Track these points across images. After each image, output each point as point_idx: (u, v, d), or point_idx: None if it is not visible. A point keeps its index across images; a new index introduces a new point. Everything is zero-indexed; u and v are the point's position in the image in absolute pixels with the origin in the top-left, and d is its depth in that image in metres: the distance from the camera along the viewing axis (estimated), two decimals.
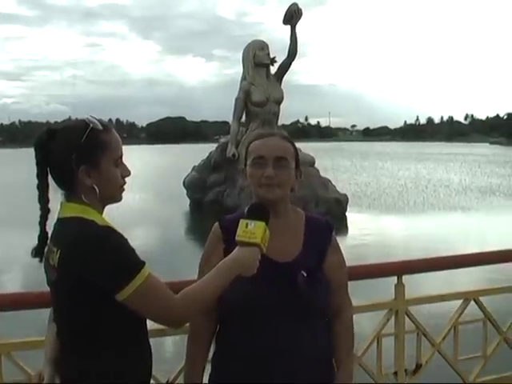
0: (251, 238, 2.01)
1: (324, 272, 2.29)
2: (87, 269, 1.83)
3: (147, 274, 1.87)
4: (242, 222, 2.05)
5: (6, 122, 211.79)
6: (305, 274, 2.20)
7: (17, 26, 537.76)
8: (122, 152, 2.03)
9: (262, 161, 2.23)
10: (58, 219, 1.98)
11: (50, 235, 1.99)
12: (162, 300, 1.90)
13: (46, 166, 1.98)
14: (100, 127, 1.95)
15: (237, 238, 2.03)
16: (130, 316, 1.90)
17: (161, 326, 2.09)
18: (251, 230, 2.02)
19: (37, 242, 2.00)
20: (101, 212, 1.99)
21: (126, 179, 2.05)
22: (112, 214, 2.12)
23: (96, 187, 1.94)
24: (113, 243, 1.87)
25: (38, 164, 1.98)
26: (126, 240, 1.90)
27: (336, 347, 2.36)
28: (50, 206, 1.99)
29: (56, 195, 2.01)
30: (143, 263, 1.88)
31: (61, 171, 1.96)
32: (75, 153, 1.92)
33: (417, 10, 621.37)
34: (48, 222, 2.00)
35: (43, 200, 1.99)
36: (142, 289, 1.84)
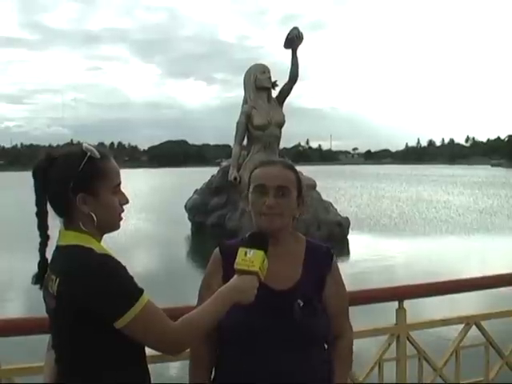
0: (250, 266, 2.02)
1: (323, 300, 2.29)
2: (86, 297, 1.84)
3: (145, 302, 1.87)
4: (241, 251, 2.06)
5: (8, 145, 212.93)
6: (301, 303, 2.21)
7: (19, 49, 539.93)
8: (119, 180, 2.03)
9: (263, 189, 2.24)
10: (57, 247, 1.99)
11: (50, 261, 2.00)
12: (160, 328, 1.90)
13: (44, 193, 1.99)
14: (97, 155, 1.95)
15: (236, 266, 2.04)
16: (128, 342, 1.91)
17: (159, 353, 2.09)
18: (250, 258, 2.04)
19: (37, 269, 2.01)
20: (99, 240, 2.00)
21: (125, 206, 2.06)
22: (114, 238, 2.13)
23: (94, 215, 1.95)
24: (111, 271, 1.87)
25: (36, 191, 1.99)
26: (125, 268, 1.91)
27: (335, 369, 2.34)
28: (51, 232, 2.00)
29: (56, 222, 2.02)
30: (142, 291, 1.89)
31: (58, 199, 1.97)
32: (72, 181, 1.93)
33: (417, 33, 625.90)
34: (48, 249, 2.00)
35: (43, 227, 1.99)
36: (140, 317, 1.85)
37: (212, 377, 2.35)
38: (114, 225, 2.04)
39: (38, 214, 1.99)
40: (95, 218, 1.95)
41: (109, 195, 1.98)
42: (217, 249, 2.36)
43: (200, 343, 2.20)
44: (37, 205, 1.99)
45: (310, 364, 2.22)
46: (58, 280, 1.90)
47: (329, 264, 2.36)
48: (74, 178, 1.93)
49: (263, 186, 2.25)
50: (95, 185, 1.95)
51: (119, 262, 1.91)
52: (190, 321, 1.96)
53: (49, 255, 2.00)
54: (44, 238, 1.99)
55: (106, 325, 1.86)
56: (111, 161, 2.02)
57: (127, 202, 2.05)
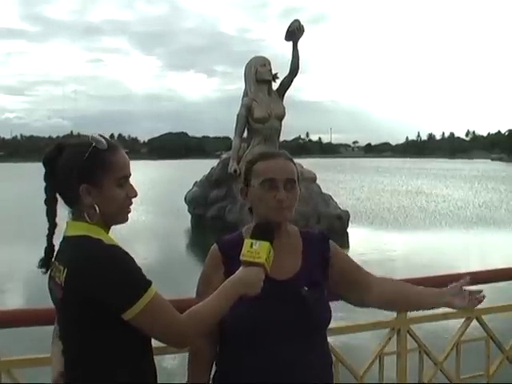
0: (256, 257, 2.02)
1: (327, 284, 2.32)
2: (94, 288, 1.84)
3: (153, 293, 1.87)
4: (247, 242, 2.06)
5: (8, 136, 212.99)
6: (307, 289, 2.22)
7: (20, 41, 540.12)
8: (127, 172, 2.02)
9: (272, 183, 2.23)
10: (65, 237, 1.99)
11: (56, 251, 2.00)
12: (167, 319, 1.90)
13: (53, 182, 2.00)
14: (105, 146, 1.95)
15: (241, 257, 2.04)
16: (135, 334, 1.91)
17: (163, 344, 2.07)
18: (256, 249, 2.03)
19: (43, 254, 2.01)
20: (107, 231, 2.00)
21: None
22: (114, 230, 2.11)
23: (97, 206, 1.94)
24: (120, 262, 1.87)
25: (45, 179, 2.01)
26: (133, 259, 1.90)
27: (403, 293, 2.57)
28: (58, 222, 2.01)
29: (64, 212, 2.03)
30: (150, 282, 1.89)
31: (64, 188, 1.98)
32: (77, 171, 1.93)
33: (419, 27, 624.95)
34: (55, 237, 2.01)
35: (51, 214, 2.00)
36: (148, 308, 1.85)
37: (213, 373, 2.33)
38: (119, 217, 2.04)
39: (46, 201, 2.00)
40: (98, 210, 1.94)
41: (113, 187, 1.97)
42: (214, 246, 2.34)
43: (201, 339, 2.16)
44: (46, 192, 2.00)
45: (316, 351, 2.24)
46: (65, 270, 1.89)
47: (327, 247, 2.39)
48: (78, 168, 1.93)
49: (273, 180, 2.23)
50: (99, 176, 1.95)
51: (128, 253, 1.91)
52: (196, 313, 1.95)
53: (56, 244, 2.01)
54: (51, 225, 2.00)
55: (113, 316, 1.85)
56: (119, 153, 2.00)
57: (136, 194, 2.04)
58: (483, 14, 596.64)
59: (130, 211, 2.05)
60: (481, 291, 2.48)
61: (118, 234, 2.07)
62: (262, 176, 2.25)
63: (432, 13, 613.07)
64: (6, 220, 21.29)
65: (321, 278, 2.31)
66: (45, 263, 2.01)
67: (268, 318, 2.17)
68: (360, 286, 2.43)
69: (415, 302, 2.58)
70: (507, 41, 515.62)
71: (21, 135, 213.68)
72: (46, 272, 2.02)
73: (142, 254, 14.30)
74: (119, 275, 1.85)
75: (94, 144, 1.94)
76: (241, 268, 2.03)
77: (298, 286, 2.22)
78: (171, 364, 5.19)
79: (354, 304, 2.51)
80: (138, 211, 22.72)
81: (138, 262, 1.94)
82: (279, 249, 2.16)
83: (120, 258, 1.88)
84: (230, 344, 2.25)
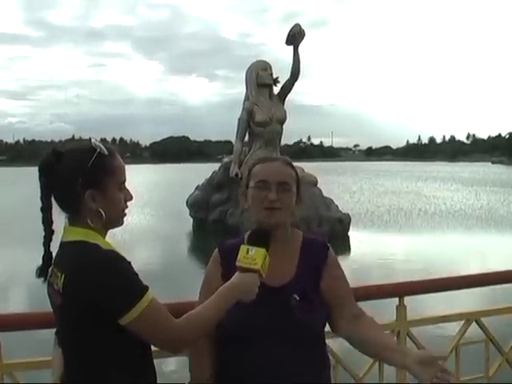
0: (251, 263, 2.03)
1: (320, 293, 2.29)
2: (92, 293, 1.84)
3: (150, 299, 1.88)
4: (243, 248, 2.07)
5: (10, 140, 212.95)
6: (297, 298, 2.21)
7: (23, 46, 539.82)
8: (125, 176, 2.04)
9: (265, 185, 2.25)
10: (62, 243, 1.99)
11: (54, 257, 1.99)
12: (164, 325, 1.90)
13: (50, 189, 1.98)
14: (106, 152, 1.96)
15: (237, 263, 2.05)
16: (134, 339, 1.91)
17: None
18: (252, 255, 2.04)
19: (41, 262, 2.01)
20: (104, 235, 2.00)
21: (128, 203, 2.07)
22: (116, 233, 2.13)
23: (102, 211, 1.95)
24: (117, 267, 1.88)
25: (42, 186, 1.99)
26: (130, 264, 1.91)
27: (373, 337, 2.27)
28: (54, 228, 2.00)
29: (60, 217, 2.03)
30: (147, 288, 1.89)
31: (66, 194, 1.97)
32: (81, 177, 1.92)
33: (418, 31, 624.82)
34: (52, 243, 2.01)
35: (47, 222, 1.99)
36: (145, 313, 1.85)
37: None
38: (118, 221, 2.05)
39: (42, 209, 1.99)
40: (104, 215, 1.96)
41: (116, 192, 1.99)
42: (216, 249, 2.38)
43: (200, 342, 2.19)
44: (42, 200, 1.99)
45: (307, 359, 2.22)
46: (63, 276, 1.90)
47: (324, 256, 2.35)
48: (83, 174, 1.93)
49: (265, 182, 2.26)
50: (104, 181, 1.96)
51: (125, 259, 1.91)
52: (193, 318, 1.96)
53: (54, 250, 2.00)
54: (48, 233, 1.99)
55: (111, 321, 1.86)
56: (118, 157, 2.02)
57: (131, 198, 2.06)
58: (483, 17, 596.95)
59: (125, 215, 2.07)
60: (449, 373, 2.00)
61: (120, 238, 2.09)
62: (257, 177, 2.29)
63: (432, 16, 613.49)
64: (9, 223, 21.34)
65: (313, 287, 2.29)
66: (43, 272, 2.01)
67: (256, 324, 2.18)
68: (339, 311, 2.32)
69: (379, 353, 2.30)
70: (507, 44, 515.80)
71: (23, 139, 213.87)
72: (45, 280, 2.01)
73: (144, 257, 14.32)
74: (116, 280, 1.85)
75: (98, 150, 1.95)
76: (237, 273, 2.05)
77: (288, 294, 2.21)
78: (171, 367, 5.20)
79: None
80: (140, 214, 22.74)
81: (140, 265, 1.95)
82: (275, 254, 2.15)
83: (117, 263, 1.89)
84: (223, 347, 2.27)
